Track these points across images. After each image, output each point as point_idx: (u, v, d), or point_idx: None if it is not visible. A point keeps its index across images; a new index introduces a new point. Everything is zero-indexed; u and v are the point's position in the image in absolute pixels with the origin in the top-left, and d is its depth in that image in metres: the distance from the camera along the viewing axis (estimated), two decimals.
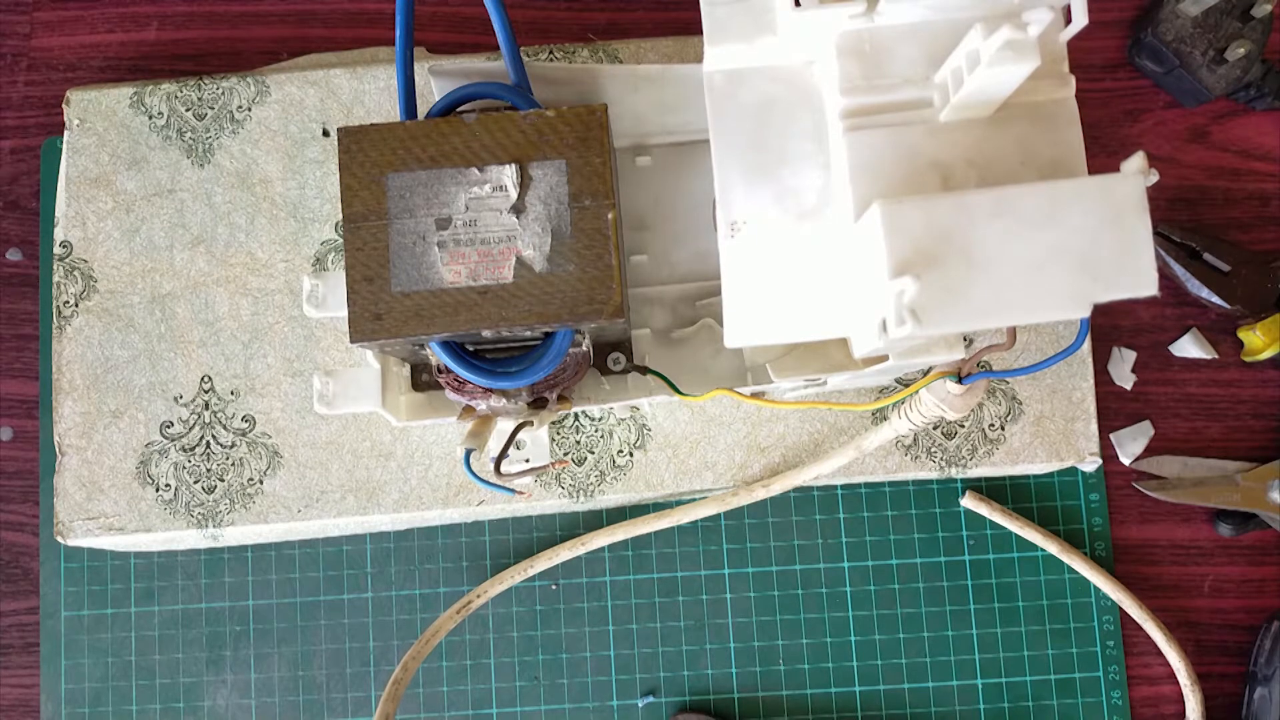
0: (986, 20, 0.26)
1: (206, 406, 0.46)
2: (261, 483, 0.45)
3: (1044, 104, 0.29)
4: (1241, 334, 0.47)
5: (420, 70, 0.36)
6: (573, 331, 0.35)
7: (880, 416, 0.45)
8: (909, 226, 0.26)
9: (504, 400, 0.38)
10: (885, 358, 0.33)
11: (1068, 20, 0.27)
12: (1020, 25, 0.25)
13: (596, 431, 0.46)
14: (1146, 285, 0.26)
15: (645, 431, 0.45)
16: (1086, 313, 0.26)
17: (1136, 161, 0.26)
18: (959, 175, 0.29)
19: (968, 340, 0.46)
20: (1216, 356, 0.48)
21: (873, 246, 0.27)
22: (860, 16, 0.29)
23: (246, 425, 0.46)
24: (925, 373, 0.36)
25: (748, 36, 0.30)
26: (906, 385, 0.45)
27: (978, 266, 0.25)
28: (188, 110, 0.47)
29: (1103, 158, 0.49)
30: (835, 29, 0.29)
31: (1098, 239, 0.25)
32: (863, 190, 0.29)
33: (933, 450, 0.46)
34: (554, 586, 0.47)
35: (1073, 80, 0.29)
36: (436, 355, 0.36)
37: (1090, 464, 0.46)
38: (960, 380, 0.33)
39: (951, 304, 0.25)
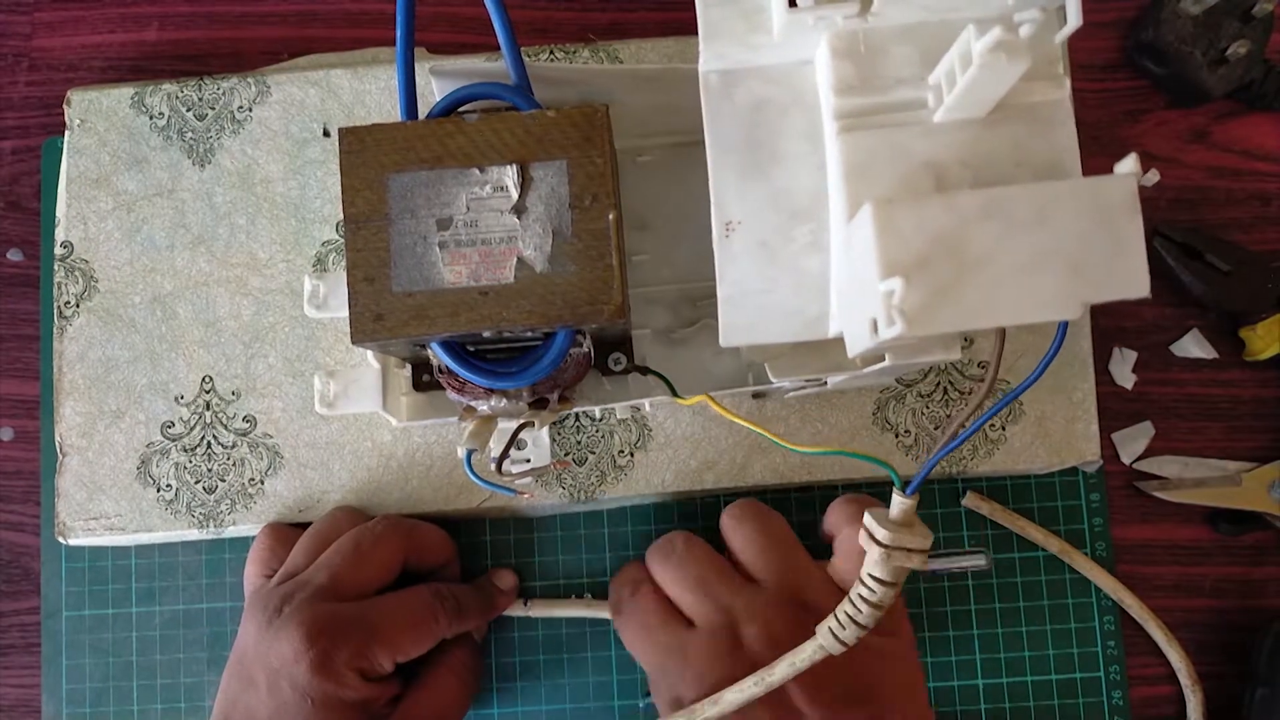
0: (980, 21, 0.25)
1: (207, 407, 0.46)
2: (263, 483, 0.45)
3: (1039, 105, 0.29)
4: (1243, 334, 0.47)
5: (421, 70, 0.36)
6: (573, 332, 0.35)
7: (880, 419, 0.45)
8: (900, 228, 0.26)
9: (505, 401, 0.38)
10: (882, 357, 0.32)
11: (1063, 22, 0.27)
12: (1012, 26, 0.25)
13: (597, 431, 0.46)
14: (1138, 287, 0.25)
15: (646, 432, 0.45)
16: (1077, 314, 0.25)
17: (1129, 163, 0.26)
18: (953, 176, 0.29)
19: (969, 340, 0.46)
20: (1217, 356, 0.48)
21: (864, 247, 0.27)
22: (854, 17, 0.29)
23: (247, 425, 0.46)
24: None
25: (743, 37, 0.30)
26: (908, 385, 0.46)
27: (968, 268, 0.25)
28: (189, 110, 0.47)
29: (1103, 158, 0.49)
30: (830, 29, 0.29)
31: (1089, 240, 0.25)
32: (856, 191, 0.29)
33: (933, 450, 0.46)
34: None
35: (1067, 81, 0.29)
36: (437, 356, 0.36)
37: (1091, 464, 0.46)
38: (904, 489, 0.30)
39: (941, 305, 0.25)
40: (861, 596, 0.31)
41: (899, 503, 0.30)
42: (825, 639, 0.32)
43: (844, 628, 0.31)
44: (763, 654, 0.36)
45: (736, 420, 0.36)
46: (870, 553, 0.30)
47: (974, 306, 0.25)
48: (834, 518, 0.40)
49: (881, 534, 0.30)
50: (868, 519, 0.31)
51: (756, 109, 0.31)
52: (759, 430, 0.36)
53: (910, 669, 0.38)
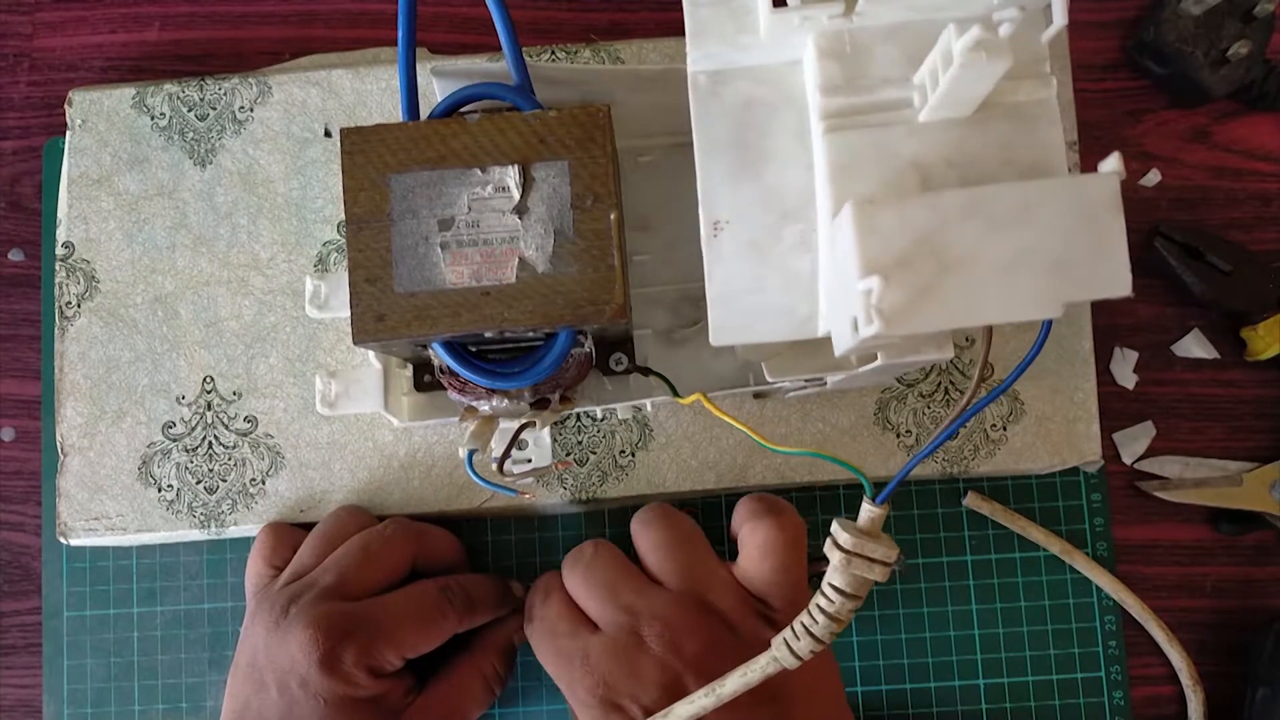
0: (962, 21, 0.25)
1: (209, 407, 0.46)
2: (264, 483, 0.45)
3: (1025, 104, 0.29)
4: (1244, 334, 0.47)
5: (422, 71, 0.36)
6: (575, 332, 0.35)
7: (881, 419, 0.45)
8: (881, 227, 0.25)
9: (506, 401, 0.38)
10: (876, 356, 0.32)
11: (1050, 21, 0.27)
12: (993, 25, 0.25)
13: (599, 432, 0.46)
14: (1119, 286, 0.25)
15: (647, 432, 0.46)
16: (1059, 313, 0.25)
17: (1112, 161, 0.26)
18: (938, 176, 0.28)
19: (969, 340, 0.46)
20: (1219, 357, 0.48)
21: (845, 246, 0.26)
22: (840, 17, 0.29)
23: (249, 426, 0.46)
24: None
25: (730, 37, 0.30)
26: (909, 385, 0.46)
27: (949, 267, 0.25)
28: (190, 111, 0.47)
29: (1103, 158, 0.49)
30: (816, 29, 0.29)
31: (1071, 239, 0.25)
32: (841, 190, 0.29)
33: (934, 450, 0.46)
34: None
35: (1054, 81, 0.29)
36: (439, 356, 0.36)
37: (1092, 464, 0.46)
38: (875, 500, 0.29)
39: (921, 304, 0.25)
40: (820, 607, 0.30)
41: (867, 510, 0.30)
42: (779, 651, 0.31)
43: (799, 639, 0.30)
44: (663, 655, 0.36)
45: (724, 418, 0.36)
46: (832, 559, 0.30)
47: (955, 306, 0.25)
48: (737, 516, 0.40)
49: (844, 539, 0.29)
50: (834, 526, 0.30)
51: (745, 108, 0.31)
52: (742, 428, 0.36)
53: (821, 667, 0.38)
